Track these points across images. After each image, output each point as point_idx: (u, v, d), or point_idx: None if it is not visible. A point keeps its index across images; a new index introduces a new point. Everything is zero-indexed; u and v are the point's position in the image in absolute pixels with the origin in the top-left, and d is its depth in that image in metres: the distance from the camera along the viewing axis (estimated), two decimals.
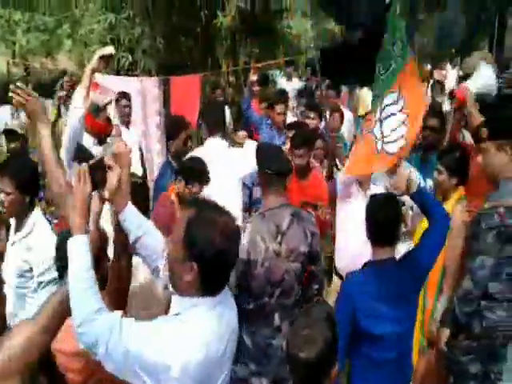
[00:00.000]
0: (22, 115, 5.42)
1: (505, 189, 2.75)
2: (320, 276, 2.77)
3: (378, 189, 3.78)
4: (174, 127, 4.36)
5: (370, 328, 2.45)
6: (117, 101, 4.79)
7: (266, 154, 2.67)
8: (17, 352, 1.59)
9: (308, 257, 2.63)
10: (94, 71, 3.08)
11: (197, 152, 3.80)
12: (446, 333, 2.92)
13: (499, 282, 2.74)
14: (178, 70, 7.24)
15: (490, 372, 2.85)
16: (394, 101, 3.14)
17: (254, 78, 5.57)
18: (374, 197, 2.70)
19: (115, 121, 4.48)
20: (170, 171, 3.97)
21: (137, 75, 7.25)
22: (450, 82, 7.93)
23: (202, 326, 1.60)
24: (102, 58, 3.06)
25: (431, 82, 8.26)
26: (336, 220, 3.74)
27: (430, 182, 3.82)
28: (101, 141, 3.68)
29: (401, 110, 3.12)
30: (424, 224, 3.36)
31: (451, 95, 6.15)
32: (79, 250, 1.67)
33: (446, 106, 6.35)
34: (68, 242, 1.70)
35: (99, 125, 3.64)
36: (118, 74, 7.45)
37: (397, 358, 2.53)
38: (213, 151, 3.71)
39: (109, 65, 3.30)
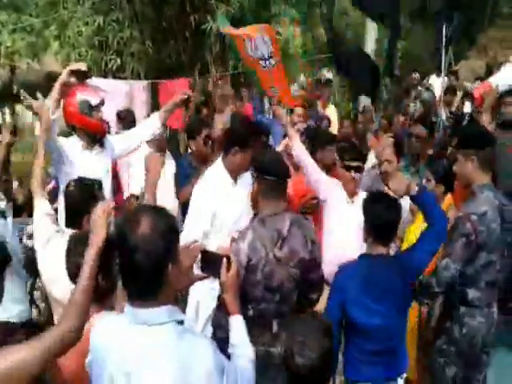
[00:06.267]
0: None
1: (478, 197, 2.79)
2: (319, 285, 2.73)
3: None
4: (194, 126, 4.40)
5: (358, 319, 2.52)
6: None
7: (264, 160, 2.64)
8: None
9: (308, 264, 2.59)
10: (64, 85, 3.12)
11: None
12: None
13: (478, 290, 2.79)
14: (166, 73, 7.22)
15: (472, 379, 2.90)
16: None
17: None
18: (375, 195, 2.71)
19: None
20: (190, 170, 4.12)
21: (125, 78, 7.21)
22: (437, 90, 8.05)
23: None
24: (73, 72, 3.11)
25: (421, 88, 8.34)
26: (324, 225, 3.72)
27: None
28: (94, 142, 3.49)
29: None
30: (413, 228, 3.39)
31: (469, 95, 6.22)
32: None
33: (467, 108, 6.48)
34: None
35: (93, 123, 3.41)
36: (105, 76, 7.40)
37: (386, 351, 2.57)
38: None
39: (83, 80, 3.30)
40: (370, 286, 2.51)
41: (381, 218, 2.56)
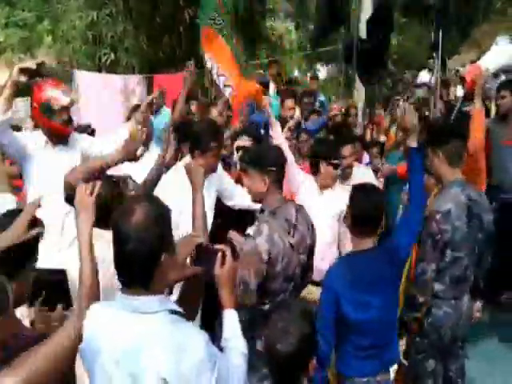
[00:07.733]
0: None
1: (445, 193, 2.81)
2: (311, 268, 2.82)
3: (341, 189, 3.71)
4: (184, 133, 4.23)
5: (350, 315, 2.50)
6: None
7: (266, 153, 2.66)
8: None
9: (311, 249, 2.71)
10: (15, 83, 3.04)
11: None
12: None
13: (442, 284, 2.82)
14: (160, 68, 7.21)
15: (449, 370, 2.96)
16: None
17: None
18: (358, 187, 2.71)
19: None
20: None
21: (119, 73, 7.19)
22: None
23: None
24: (23, 70, 3.03)
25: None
26: None
27: None
28: (56, 140, 3.43)
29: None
30: None
31: (461, 79, 6.21)
32: None
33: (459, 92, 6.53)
34: None
35: (53, 126, 3.36)
36: (99, 71, 7.37)
37: (380, 344, 2.57)
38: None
39: (34, 78, 3.20)
40: (358, 282, 2.50)
41: (363, 209, 2.54)
